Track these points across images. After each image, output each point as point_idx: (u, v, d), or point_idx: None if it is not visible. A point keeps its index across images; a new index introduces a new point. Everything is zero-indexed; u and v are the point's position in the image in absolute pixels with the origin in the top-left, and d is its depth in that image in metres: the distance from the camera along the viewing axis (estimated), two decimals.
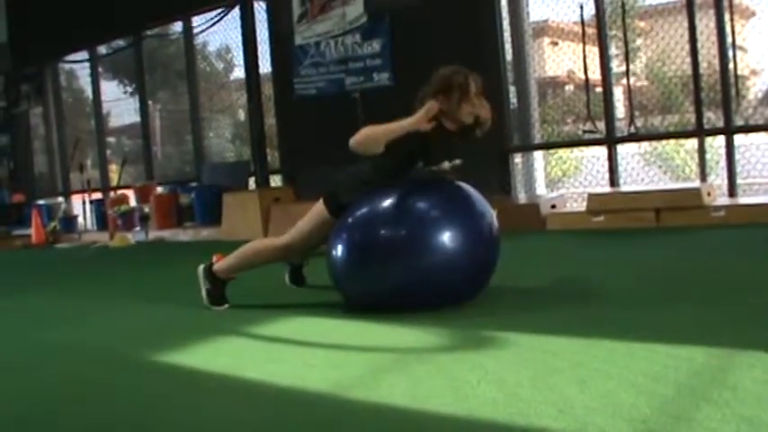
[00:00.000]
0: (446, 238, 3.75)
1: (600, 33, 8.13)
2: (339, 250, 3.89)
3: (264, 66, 10.92)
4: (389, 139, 3.82)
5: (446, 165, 4.02)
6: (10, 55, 14.82)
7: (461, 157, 4.10)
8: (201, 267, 4.47)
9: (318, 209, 4.20)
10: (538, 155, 8.98)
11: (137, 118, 13.45)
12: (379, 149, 3.84)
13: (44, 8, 13.77)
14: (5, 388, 3.18)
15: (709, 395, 2.23)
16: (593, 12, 8.18)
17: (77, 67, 14.62)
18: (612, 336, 2.99)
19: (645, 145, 8.49)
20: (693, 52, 7.60)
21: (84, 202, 12.68)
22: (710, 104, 7.68)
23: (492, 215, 4.01)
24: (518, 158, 8.87)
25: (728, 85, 7.44)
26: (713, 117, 7.67)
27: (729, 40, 7.42)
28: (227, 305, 4.41)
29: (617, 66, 8.30)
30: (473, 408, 2.32)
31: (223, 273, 4.43)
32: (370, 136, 3.86)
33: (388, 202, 3.87)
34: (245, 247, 4.44)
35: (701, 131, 7.64)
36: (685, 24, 7.66)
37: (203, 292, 4.44)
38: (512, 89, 8.83)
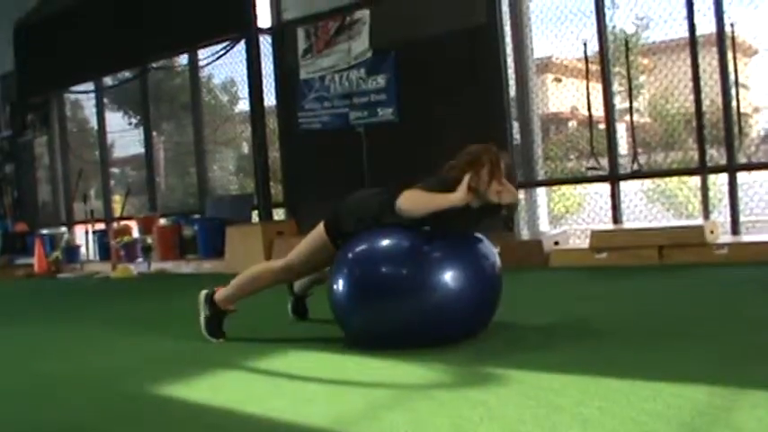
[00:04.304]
0: (448, 276, 3.75)
1: (603, 70, 8.16)
2: (340, 285, 3.88)
3: (269, 99, 10.95)
4: (433, 210, 3.80)
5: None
6: (16, 84, 14.87)
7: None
8: (204, 293, 4.47)
9: (318, 232, 4.20)
10: (541, 191, 8.98)
11: (141, 149, 13.46)
12: (421, 215, 3.81)
13: (51, 38, 13.84)
14: (5, 418, 3.17)
15: None
16: (596, 48, 8.21)
17: (83, 97, 14.64)
18: (614, 374, 2.98)
19: (648, 182, 8.49)
20: (696, 89, 7.62)
21: (86, 233, 12.68)
22: (713, 142, 7.69)
23: (494, 253, 4.01)
24: (521, 194, 8.86)
25: (731, 122, 7.46)
26: (716, 154, 7.68)
27: (732, 77, 7.44)
28: (222, 339, 4.41)
29: (620, 102, 8.33)
30: None
31: (224, 302, 4.43)
32: (419, 204, 3.83)
33: (390, 239, 3.87)
34: (245, 272, 4.44)
35: (703, 169, 7.64)
36: (688, 62, 7.68)
37: (201, 319, 4.45)
38: (515, 125, 8.84)
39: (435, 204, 3.80)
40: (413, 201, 3.83)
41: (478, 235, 4.04)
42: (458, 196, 3.79)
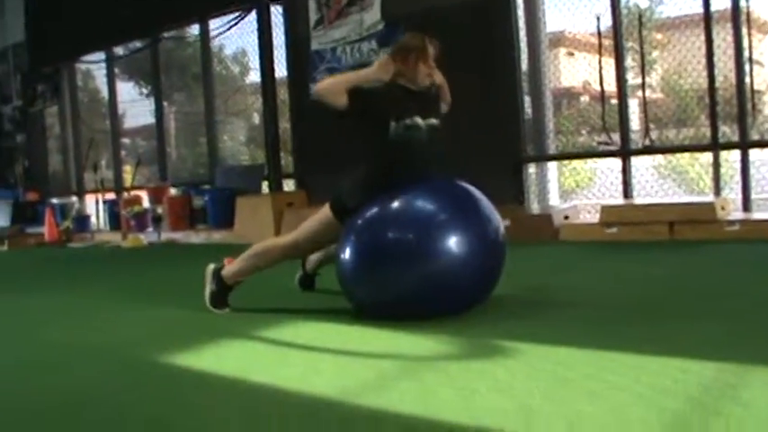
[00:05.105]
0: (453, 243, 3.75)
1: (616, 45, 8.10)
2: (347, 254, 3.89)
3: (280, 70, 10.92)
4: (349, 87, 3.96)
5: (420, 121, 4.05)
6: (27, 54, 14.88)
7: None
8: (211, 267, 4.48)
9: (325, 212, 4.20)
10: (552, 165, 8.94)
11: (152, 119, 13.46)
12: (342, 99, 3.94)
13: (61, 8, 13.83)
14: (11, 386, 3.19)
15: (720, 411, 2.22)
16: (609, 23, 8.15)
17: (94, 67, 14.65)
18: (623, 348, 2.98)
19: (659, 158, 8.46)
20: (710, 66, 7.57)
21: (97, 202, 12.71)
22: (726, 118, 7.64)
23: (498, 221, 4.00)
24: (532, 169, 8.84)
25: (744, 99, 7.40)
26: (728, 131, 7.64)
27: (746, 54, 7.39)
28: (227, 309, 4.42)
29: (632, 78, 8.28)
30: (482, 417, 2.31)
31: (231, 277, 4.44)
32: (332, 83, 4.04)
33: (395, 207, 3.87)
34: (252, 249, 4.44)
35: (716, 145, 7.60)
36: (702, 38, 7.62)
37: (207, 292, 4.47)
38: (527, 99, 8.81)
39: (346, 80, 4.04)
40: (325, 84, 4.04)
41: (482, 198, 4.02)
42: (369, 69, 4.10)
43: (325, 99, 3.94)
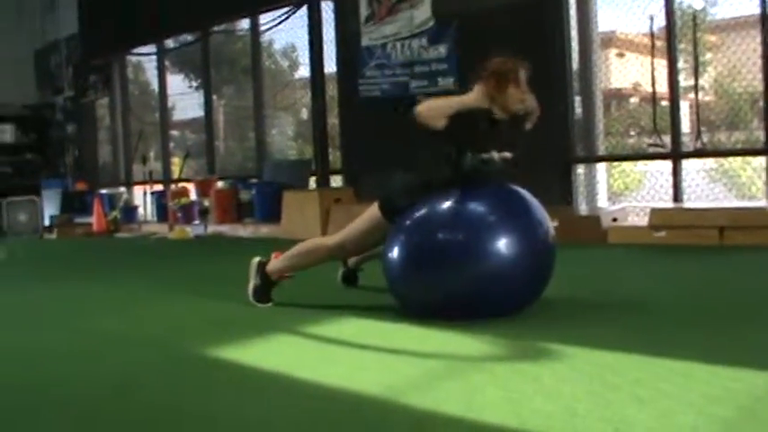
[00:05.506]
0: (503, 245, 3.72)
1: (669, 46, 8.01)
2: (395, 253, 3.87)
3: (329, 65, 10.94)
4: (451, 113, 3.88)
5: (495, 155, 4.00)
6: (80, 46, 15.06)
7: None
8: (257, 260, 4.49)
9: (373, 212, 4.18)
10: (601, 167, 8.87)
11: (201, 112, 13.55)
12: (441, 123, 3.87)
13: (114, 1, 13.98)
14: (54, 374, 3.22)
15: None
16: (662, 24, 8.06)
17: (144, 59, 14.80)
18: (671, 354, 2.93)
19: (710, 161, 8.35)
20: (765, 68, 7.45)
21: (145, 194, 12.82)
22: None
23: (548, 223, 3.97)
24: (581, 170, 8.77)
25: None
26: None
27: None
28: (270, 304, 4.43)
29: (684, 79, 8.18)
30: (527, 420, 2.29)
31: (275, 273, 4.45)
32: (433, 109, 3.92)
33: (445, 208, 3.85)
34: (297, 247, 4.45)
35: None
36: (758, 39, 7.51)
37: (250, 286, 4.47)
38: (577, 99, 8.74)
39: (449, 106, 3.93)
40: (428, 107, 3.92)
41: (533, 200, 3.99)
42: (471, 96, 3.98)
43: (425, 122, 3.88)
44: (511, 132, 4.11)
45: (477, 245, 3.72)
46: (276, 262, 4.45)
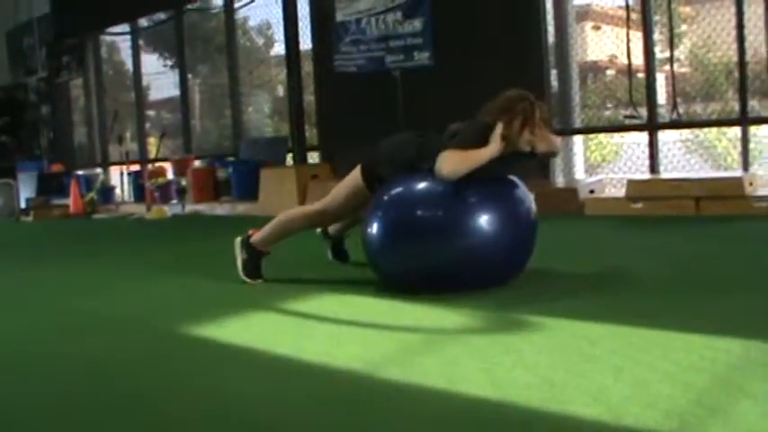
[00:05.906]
0: (483, 218, 3.72)
1: (644, 18, 8.02)
2: (375, 228, 3.87)
3: (305, 42, 10.88)
4: (473, 169, 3.75)
5: None
6: (52, 26, 14.91)
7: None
8: (239, 239, 4.47)
9: (354, 176, 4.18)
10: (578, 139, 8.90)
11: (176, 91, 13.49)
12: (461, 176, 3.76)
13: None
14: (33, 351, 3.21)
15: (747, 389, 2.18)
16: None
17: (118, 39, 14.69)
18: (648, 324, 2.95)
19: (686, 132, 8.38)
20: (740, 39, 7.48)
21: (122, 174, 12.75)
22: (755, 93, 7.56)
23: (530, 197, 3.98)
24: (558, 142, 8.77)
25: None
26: (757, 106, 7.56)
27: None
28: (260, 280, 4.42)
29: (660, 51, 8.19)
30: (506, 391, 2.30)
31: (260, 244, 4.43)
32: (458, 166, 3.74)
33: (426, 182, 3.84)
34: (280, 216, 4.45)
35: (744, 120, 7.52)
36: (732, 10, 7.53)
37: (239, 263, 4.45)
38: (553, 72, 8.74)
39: (472, 162, 3.76)
40: (452, 165, 3.74)
41: (515, 179, 3.99)
42: (492, 149, 3.80)
43: (447, 179, 3.75)
44: (515, 165, 4.05)
45: (456, 217, 3.72)
46: (260, 233, 4.43)
